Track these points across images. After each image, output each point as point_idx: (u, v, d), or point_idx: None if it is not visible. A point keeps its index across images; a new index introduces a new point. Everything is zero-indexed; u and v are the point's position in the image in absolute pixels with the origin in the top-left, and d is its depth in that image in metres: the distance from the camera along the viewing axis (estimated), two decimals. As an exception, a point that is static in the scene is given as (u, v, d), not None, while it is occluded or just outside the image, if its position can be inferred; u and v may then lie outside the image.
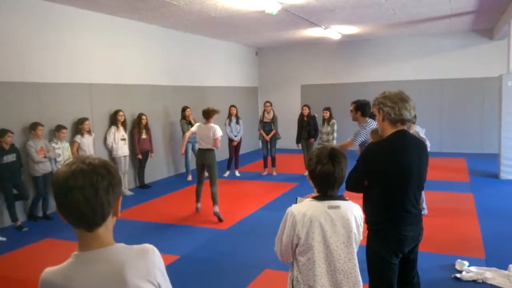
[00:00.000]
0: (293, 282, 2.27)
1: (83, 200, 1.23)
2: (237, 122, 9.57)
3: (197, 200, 6.72)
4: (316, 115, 9.40)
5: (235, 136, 9.47)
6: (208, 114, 6.42)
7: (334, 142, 8.66)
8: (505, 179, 8.35)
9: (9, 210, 6.08)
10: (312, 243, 2.17)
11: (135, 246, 1.35)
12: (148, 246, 1.37)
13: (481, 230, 5.46)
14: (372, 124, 5.06)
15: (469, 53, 11.48)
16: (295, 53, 13.53)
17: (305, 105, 9.44)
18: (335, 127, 8.89)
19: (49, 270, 1.35)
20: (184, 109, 9.16)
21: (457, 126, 11.84)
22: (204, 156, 6.38)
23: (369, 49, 12.57)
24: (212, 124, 6.38)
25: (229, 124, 9.50)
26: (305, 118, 9.27)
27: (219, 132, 6.34)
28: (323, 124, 8.99)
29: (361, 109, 5.07)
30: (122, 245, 1.34)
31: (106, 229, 1.32)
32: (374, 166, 2.58)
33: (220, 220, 6.20)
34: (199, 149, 6.50)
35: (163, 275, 1.38)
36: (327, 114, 8.95)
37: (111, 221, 1.34)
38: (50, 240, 5.65)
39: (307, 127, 9.19)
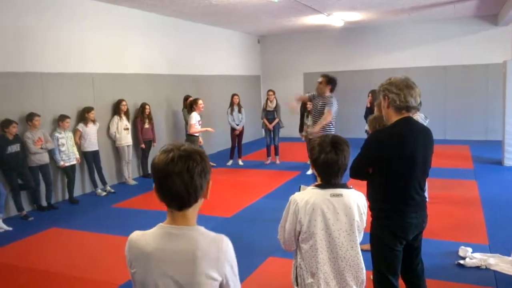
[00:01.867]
0: (297, 269, 2.29)
1: (181, 184, 1.36)
2: (239, 111, 9.55)
3: None
4: None
5: (237, 125, 9.47)
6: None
7: (333, 131, 8.58)
8: (509, 166, 8.32)
9: (14, 200, 6.13)
10: (314, 230, 2.18)
11: (212, 233, 1.45)
12: (224, 237, 1.46)
13: (485, 217, 5.47)
14: (334, 102, 5.41)
15: (473, 39, 11.37)
16: (297, 40, 13.44)
17: (305, 94, 9.41)
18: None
19: (136, 233, 1.50)
20: (186, 98, 9.14)
21: (461, 113, 11.77)
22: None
23: (372, 36, 12.46)
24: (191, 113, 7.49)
25: (231, 113, 9.49)
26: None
27: (190, 120, 7.42)
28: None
29: (332, 84, 5.43)
30: (202, 228, 1.46)
31: (194, 210, 1.46)
32: (378, 153, 2.57)
33: None
34: None
35: (232, 270, 1.45)
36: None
37: (200, 202, 1.47)
38: (56, 229, 5.69)
39: (309, 115, 9.14)
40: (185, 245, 1.40)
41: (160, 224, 1.46)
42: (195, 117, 7.40)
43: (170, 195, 1.39)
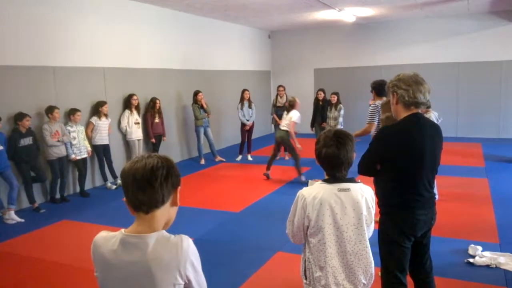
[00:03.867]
0: (305, 263, 2.30)
1: (145, 185, 1.39)
2: (250, 106, 9.55)
3: (267, 168, 7.76)
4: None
5: (247, 120, 9.47)
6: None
7: (340, 127, 8.56)
8: (522, 164, 8.22)
9: (26, 192, 6.22)
10: (322, 225, 2.19)
11: (173, 237, 1.44)
12: (184, 237, 1.46)
13: (496, 215, 5.41)
14: (372, 111, 5.06)
15: (487, 35, 11.20)
16: (308, 36, 13.38)
17: (320, 89, 9.42)
18: (342, 112, 8.78)
19: (101, 235, 1.49)
20: (196, 93, 9.16)
21: (473, 111, 11.63)
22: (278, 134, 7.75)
23: (383, 32, 12.35)
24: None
25: (241, 108, 9.49)
26: (320, 103, 9.24)
27: (291, 118, 7.45)
28: (330, 109, 8.90)
29: (375, 89, 5.14)
30: (162, 234, 1.44)
31: (162, 214, 1.46)
32: (387, 149, 2.56)
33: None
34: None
35: (194, 270, 1.44)
36: (334, 99, 8.86)
37: (169, 209, 1.49)
38: (67, 221, 5.78)
39: (322, 111, 9.15)
40: (141, 257, 1.39)
41: (122, 230, 1.46)
42: (295, 115, 7.48)
43: (135, 197, 1.41)
